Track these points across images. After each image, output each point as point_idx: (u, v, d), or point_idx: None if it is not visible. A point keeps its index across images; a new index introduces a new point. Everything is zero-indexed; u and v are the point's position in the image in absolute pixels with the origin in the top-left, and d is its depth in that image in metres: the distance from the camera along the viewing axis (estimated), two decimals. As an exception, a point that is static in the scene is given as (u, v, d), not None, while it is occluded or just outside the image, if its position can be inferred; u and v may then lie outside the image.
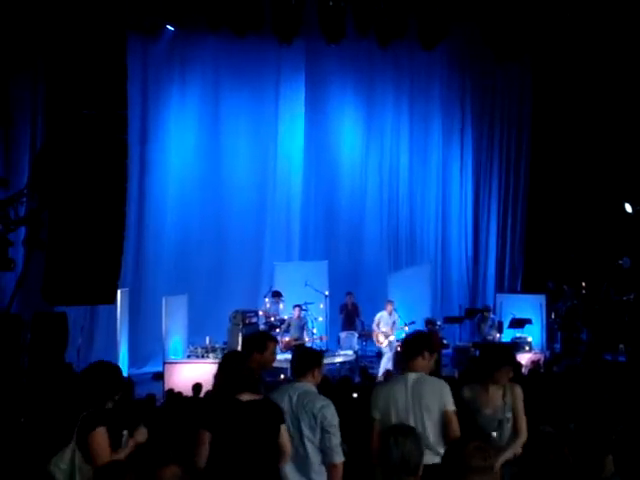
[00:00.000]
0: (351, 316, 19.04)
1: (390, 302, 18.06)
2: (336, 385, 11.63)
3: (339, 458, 6.05)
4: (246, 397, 5.80)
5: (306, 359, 6.47)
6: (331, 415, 6.12)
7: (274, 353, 6.89)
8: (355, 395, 10.26)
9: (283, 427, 5.88)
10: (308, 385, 6.32)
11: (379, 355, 17.96)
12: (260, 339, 6.93)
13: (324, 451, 6.07)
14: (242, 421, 5.69)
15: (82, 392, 5.73)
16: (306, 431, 6.07)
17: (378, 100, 21.08)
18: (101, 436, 5.48)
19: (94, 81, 13.67)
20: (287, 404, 6.14)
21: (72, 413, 5.71)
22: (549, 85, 20.96)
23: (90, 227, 13.29)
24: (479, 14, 18.32)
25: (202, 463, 5.56)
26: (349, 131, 21.02)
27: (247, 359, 6.20)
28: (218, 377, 6.05)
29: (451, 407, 6.28)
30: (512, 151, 22.06)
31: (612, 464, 5.43)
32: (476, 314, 19.50)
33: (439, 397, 6.30)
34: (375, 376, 15.69)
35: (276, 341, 7.12)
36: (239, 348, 16.25)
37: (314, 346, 17.70)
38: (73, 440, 5.55)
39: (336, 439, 6.07)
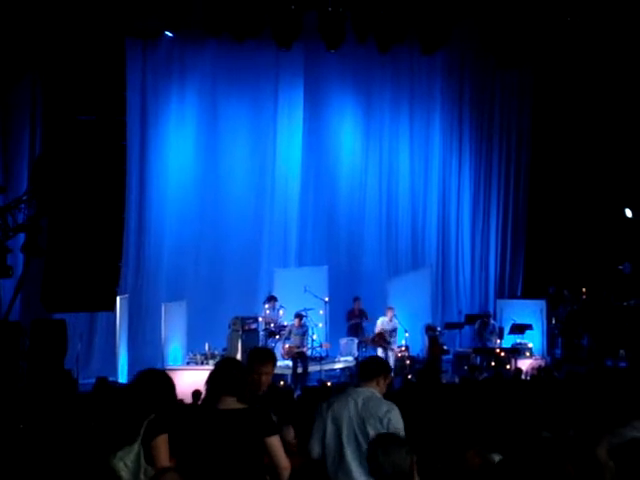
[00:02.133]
0: (358, 322, 18.95)
1: (390, 308, 18.03)
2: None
3: None
4: (228, 405, 5.68)
5: (374, 366, 6.64)
6: (396, 419, 6.24)
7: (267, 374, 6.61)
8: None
9: (273, 439, 5.63)
10: (372, 390, 6.42)
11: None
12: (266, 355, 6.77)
13: None
14: (215, 430, 5.61)
15: (144, 397, 5.78)
16: (372, 434, 6.08)
17: (377, 106, 21.01)
18: (165, 442, 5.62)
19: (93, 87, 13.70)
20: (353, 408, 6.27)
21: (132, 417, 5.74)
22: (549, 90, 20.91)
23: (89, 234, 13.30)
24: (480, 20, 18.28)
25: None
26: (348, 137, 20.95)
27: (240, 366, 6.04)
28: (207, 383, 6.00)
29: None
30: (512, 156, 22.00)
31: (612, 470, 5.40)
32: (476, 320, 19.46)
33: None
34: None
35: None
36: (239, 355, 16.25)
37: (314, 353, 17.69)
38: (138, 441, 5.65)
39: None
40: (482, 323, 19.11)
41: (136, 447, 5.67)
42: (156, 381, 5.93)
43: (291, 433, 6.60)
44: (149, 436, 5.65)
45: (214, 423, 5.63)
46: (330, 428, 6.33)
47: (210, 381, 5.91)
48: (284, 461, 5.67)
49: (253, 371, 6.39)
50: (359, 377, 6.73)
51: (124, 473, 5.64)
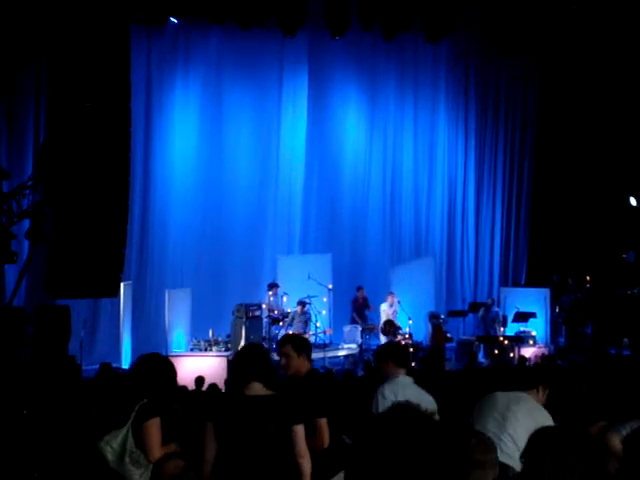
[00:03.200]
0: (362, 310, 18.97)
1: (391, 294, 18.04)
2: (341, 380, 11.62)
3: None
4: (254, 392, 5.50)
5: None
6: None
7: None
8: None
9: (298, 427, 5.48)
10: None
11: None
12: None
13: None
14: (242, 415, 5.43)
15: (140, 382, 5.90)
16: None
17: (382, 93, 20.98)
18: (156, 426, 5.72)
19: (97, 73, 13.64)
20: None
21: (126, 400, 5.91)
22: (554, 78, 20.88)
23: (93, 220, 13.27)
24: (484, 7, 18.24)
25: (210, 456, 5.43)
26: (352, 124, 20.93)
27: (264, 352, 5.99)
28: (232, 370, 6.11)
29: None
30: (517, 144, 22.00)
31: (616, 460, 5.38)
32: (480, 307, 19.48)
33: None
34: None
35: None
36: (242, 342, 16.29)
37: (318, 340, 17.70)
38: (128, 425, 5.76)
39: None
40: (485, 310, 19.13)
41: (124, 431, 5.76)
42: (150, 366, 5.99)
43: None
44: (141, 419, 5.74)
45: (242, 409, 5.45)
46: None
47: (235, 367, 5.85)
48: (304, 451, 5.53)
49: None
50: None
51: (110, 455, 5.75)
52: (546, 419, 6.23)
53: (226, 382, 12.67)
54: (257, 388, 5.49)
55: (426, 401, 6.51)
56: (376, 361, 7.27)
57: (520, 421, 6.26)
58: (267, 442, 5.41)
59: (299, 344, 6.44)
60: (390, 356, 7.01)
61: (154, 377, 5.89)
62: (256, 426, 5.40)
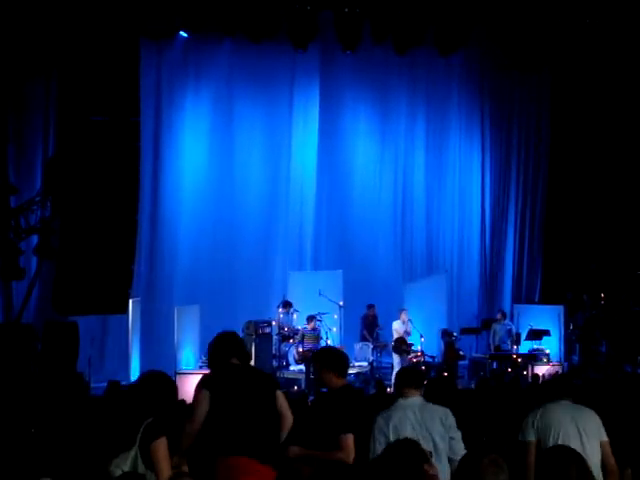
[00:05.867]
0: (372, 328, 18.83)
1: (404, 310, 17.85)
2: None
3: None
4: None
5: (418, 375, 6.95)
6: (452, 418, 6.44)
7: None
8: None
9: (279, 393, 6.55)
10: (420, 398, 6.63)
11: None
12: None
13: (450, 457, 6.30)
14: (239, 381, 6.44)
15: (143, 401, 5.90)
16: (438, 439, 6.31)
17: (394, 108, 20.85)
18: (164, 446, 5.67)
19: (107, 88, 13.62)
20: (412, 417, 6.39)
21: (130, 420, 5.89)
22: (568, 92, 20.74)
23: (102, 236, 13.23)
24: (497, 22, 18.14)
25: (201, 417, 6.32)
26: (364, 139, 20.81)
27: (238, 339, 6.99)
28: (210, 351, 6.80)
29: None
30: (530, 160, 21.82)
31: (631, 477, 5.25)
32: (492, 324, 19.30)
33: None
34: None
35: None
36: (252, 360, 16.16)
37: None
38: (135, 445, 5.70)
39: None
40: (497, 324, 18.93)
41: (132, 453, 5.73)
42: (153, 384, 5.99)
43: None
44: (147, 439, 5.69)
45: (240, 375, 6.53)
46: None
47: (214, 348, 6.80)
48: (289, 415, 6.54)
49: None
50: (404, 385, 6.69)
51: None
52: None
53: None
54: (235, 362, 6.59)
55: (435, 420, 6.40)
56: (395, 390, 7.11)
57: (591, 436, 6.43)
58: (263, 406, 6.42)
59: (324, 359, 6.75)
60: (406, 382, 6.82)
61: (156, 395, 5.88)
62: (252, 390, 6.45)
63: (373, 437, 6.37)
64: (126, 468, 5.67)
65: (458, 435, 6.37)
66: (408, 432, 6.15)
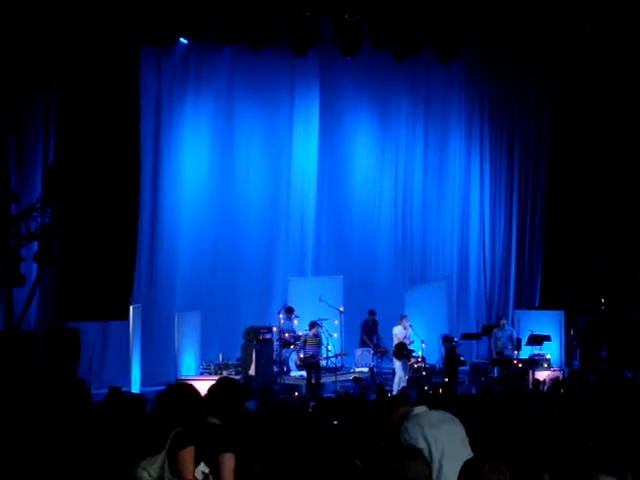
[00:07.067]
0: (371, 334, 18.83)
1: (404, 317, 17.84)
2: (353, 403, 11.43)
3: None
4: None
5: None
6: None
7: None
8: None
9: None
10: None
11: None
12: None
13: None
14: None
15: (173, 411, 6.00)
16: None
17: (393, 114, 20.88)
18: (190, 455, 5.71)
19: (107, 94, 13.60)
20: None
21: (162, 428, 5.96)
22: (568, 98, 20.79)
23: (102, 242, 13.21)
24: (497, 28, 18.17)
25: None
26: (364, 145, 20.82)
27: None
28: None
29: None
30: (530, 166, 21.84)
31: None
32: (492, 330, 19.28)
33: None
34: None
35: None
36: (253, 365, 16.17)
37: (330, 363, 17.53)
38: (164, 452, 5.78)
39: None
40: (498, 329, 18.92)
41: (161, 457, 5.82)
42: (185, 395, 6.13)
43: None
44: (175, 448, 5.76)
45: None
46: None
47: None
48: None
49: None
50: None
51: None
52: None
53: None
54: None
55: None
56: None
57: None
58: None
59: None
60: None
61: (187, 406, 6.02)
62: None
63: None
64: (152, 471, 5.81)
65: None
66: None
